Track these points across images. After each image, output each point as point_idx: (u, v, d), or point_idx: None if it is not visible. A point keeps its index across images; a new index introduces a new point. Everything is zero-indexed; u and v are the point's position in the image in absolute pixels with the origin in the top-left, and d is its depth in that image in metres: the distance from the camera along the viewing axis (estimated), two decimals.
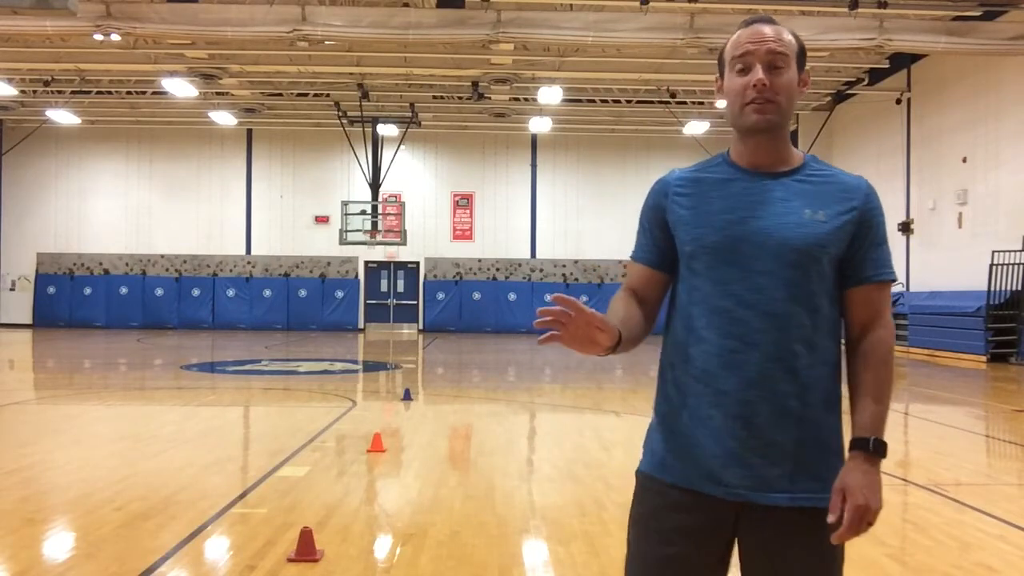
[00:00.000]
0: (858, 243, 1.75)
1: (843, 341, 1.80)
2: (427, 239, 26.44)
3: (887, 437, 1.70)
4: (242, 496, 5.10)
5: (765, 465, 1.67)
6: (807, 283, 1.70)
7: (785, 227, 1.71)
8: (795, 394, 1.68)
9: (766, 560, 1.70)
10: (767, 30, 1.75)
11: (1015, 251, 15.74)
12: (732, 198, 1.77)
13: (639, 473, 1.84)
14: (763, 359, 1.68)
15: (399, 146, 24.07)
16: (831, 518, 1.63)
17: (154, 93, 21.95)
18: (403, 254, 26.20)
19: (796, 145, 1.92)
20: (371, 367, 15.05)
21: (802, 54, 1.79)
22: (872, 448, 1.67)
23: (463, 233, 26.83)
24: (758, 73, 1.72)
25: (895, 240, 20.02)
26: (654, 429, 1.84)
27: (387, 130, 24.10)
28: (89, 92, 21.74)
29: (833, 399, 1.74)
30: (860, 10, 14.36)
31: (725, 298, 1.72)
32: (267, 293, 26.37)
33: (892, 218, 20.20)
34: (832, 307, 1.75)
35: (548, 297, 1.59)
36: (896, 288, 19.81)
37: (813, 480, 1.68)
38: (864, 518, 1.62)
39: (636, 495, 1.83)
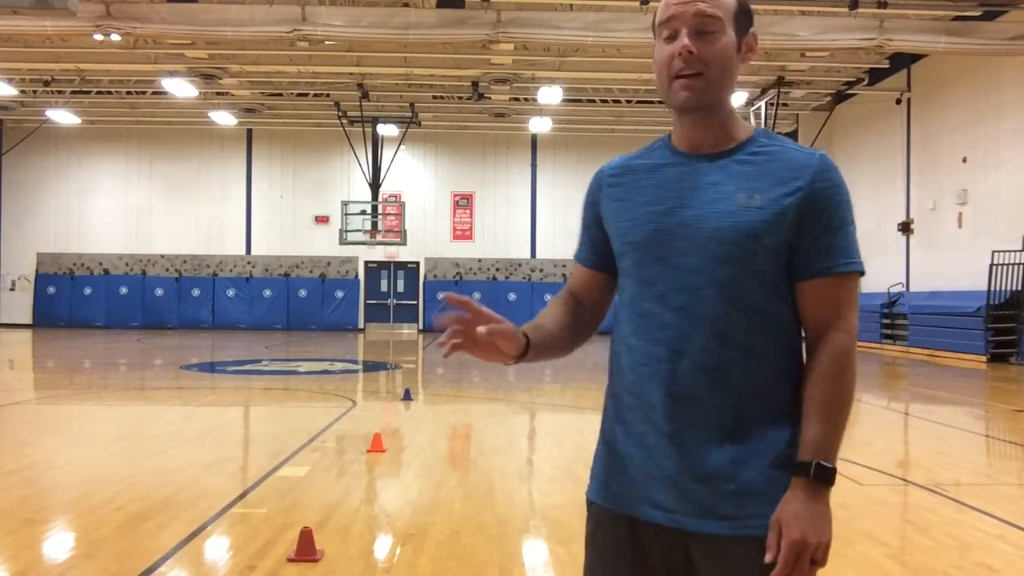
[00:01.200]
0: (807, 228, 1.47)
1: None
2: (427, 239, 26.45)
3: (839, 461, 1.44)
4: (242, 496, 5.10)
5: (701, 489, 1.46)
6: (743, 280, 1.47)
7: (713, 216, 1.48)
8: (729, 405, 1.46)
9: None
10: None
11: (1015, 251, 15.74)
12: (663, 187, 1.56)
13: (586, 497, 1.66)
14: (691, 368, 1.47)
15: (399, 146, 24.07)
16: (768, 557, 1.39)
17: (154, 93, 21.95)
18: (403, 254, 26.21)
19: None
20: (371, 367, 15.05)
21: (742, 15, 1.54)
22: (813, 474, 1.41)
23: (463, 233, 26.83)
24: (683, 40, 1.49)
25: (895, 240, 20.02)
26: (598, 448, 1.66)
27: (387, 130, 24.10)
28: (89, 92, 21.75)
29: (780, 409, 1.49)
30: (860, 10, 14.35)
31: (651, 300, 1.52)
32: (267, 293, 26.37)
33: (892, 218, 20.20)
34: (782, 306, 1.51)
35: (440, 295, 1.40)
36: (896, 288, 19.78)
37: (762, 504, 1.44)
38: (801, 555, 1.37)
39: (586, 519, 1.67)
